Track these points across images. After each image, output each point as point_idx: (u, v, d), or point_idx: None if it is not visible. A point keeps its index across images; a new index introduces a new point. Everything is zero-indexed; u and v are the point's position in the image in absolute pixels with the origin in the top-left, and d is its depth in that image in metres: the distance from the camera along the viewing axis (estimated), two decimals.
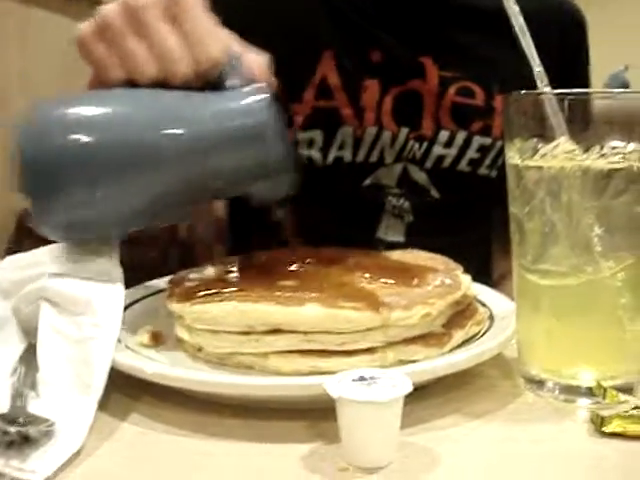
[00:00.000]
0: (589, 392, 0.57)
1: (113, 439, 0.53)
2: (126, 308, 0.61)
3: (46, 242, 0.64)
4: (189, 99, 0.61)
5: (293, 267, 0.65)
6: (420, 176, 0.95)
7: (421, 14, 0.94)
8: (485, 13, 0.95)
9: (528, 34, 0.61)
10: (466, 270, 0.68)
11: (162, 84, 0.61)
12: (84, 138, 0.59)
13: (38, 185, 0.60)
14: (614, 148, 0.54)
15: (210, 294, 0.60)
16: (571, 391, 0.57)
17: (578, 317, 0.57)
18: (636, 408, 0.54)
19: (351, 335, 0.57)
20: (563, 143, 0.55)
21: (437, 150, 0.94)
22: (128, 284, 0.66)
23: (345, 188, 0.94)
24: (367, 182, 0.94)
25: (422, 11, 0.94)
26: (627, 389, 0.57)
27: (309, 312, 0.56)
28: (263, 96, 0.60)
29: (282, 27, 0.91)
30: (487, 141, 0.94)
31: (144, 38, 0.60)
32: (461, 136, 0.94)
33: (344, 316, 0.56)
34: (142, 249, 0.97)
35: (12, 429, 0.48)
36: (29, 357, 0.59)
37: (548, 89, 0.59)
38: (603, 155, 0.54)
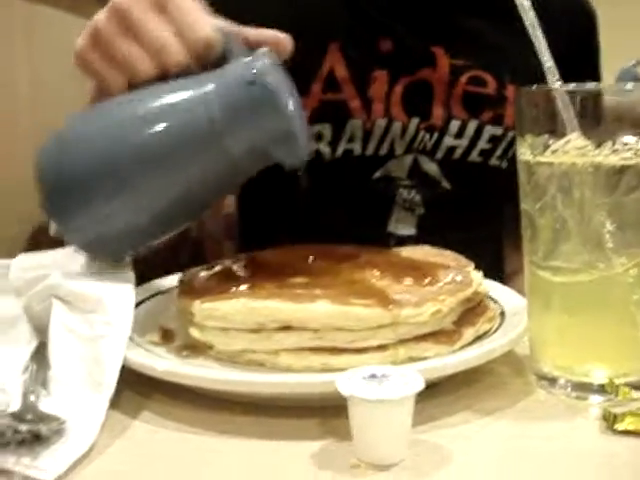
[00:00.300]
0: (601, 389, 0.56)
1: (124, 437, 0.53)
2: (137, 306, 0.61)
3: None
4: (193, 85, 0.61)
5: (303, 264, 0.65)
6: (431, 167, 0.94)
7: (432, 2, 0.94)
8: (496, 1, 0.95)
9: (539, 29, 0.61)
10: (477, 266, 0.67)
11: (164, 77, 0.61)
12: (99, 153, 0.60)
13: (58, 203, 0.61)
14: (626, 144, 0.54)
15: (220, 291, 0.60)
16: (583, 388, 0.57)
17: (590, 314, 0.57)
18: None
19: (362, 332, 0.56)
20: (575, 139, 0.55)
21: (448, 141, 0.93)
22: (139, 282, 0.66)
23: (355, 181, 0.94)
24: (377, 175, 0.94)
25: None
26: None
27: (319, 309, 0.56)
28: (265, 61, 0.60)
29: (287, 21, 0.91)
30: (498, 131, 0.94)
31: (135, 37, 0.61)
32: (472, 126, 0.93)
33: (354, 313, 0.56)
34: None
35: (23, 427, 0.48)
36: (40, 355, 0.59)
37: (559, 84, 0.59)
38: (615, 151, 0.54)
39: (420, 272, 0.64)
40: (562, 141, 0.55)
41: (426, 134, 0.93)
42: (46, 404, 0.53)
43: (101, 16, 0.62)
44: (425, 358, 0.57)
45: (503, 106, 0.94)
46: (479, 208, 0.98)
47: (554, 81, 0.59)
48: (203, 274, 0.66)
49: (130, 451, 0.51)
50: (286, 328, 0.57)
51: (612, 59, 1.26)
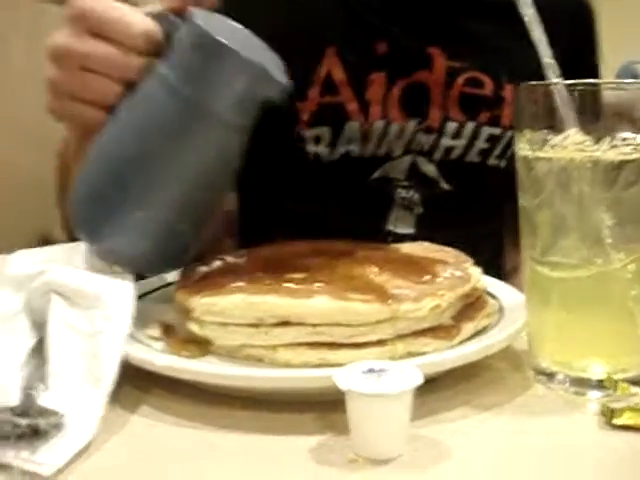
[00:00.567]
0: (600, 385, 0.56)
1: (123, 432, 0.53)
2: (136, 301, 0.61)
3: None
4: (151, 78, 0.61)
5: (302, 259, 0.65)
6: (429, 168, 0.94)
7: (428, 3, 0.94)
8: (493, 1, 0.95)
9: (539, 24, 0.60)
10: (477, 263, 0.67)
11: (133, 83, 0.62)
12: (109, 177, 0.63)
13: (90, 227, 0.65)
14: (624, 139, 0.54)
15: (219, 287, 0.60)
16: (582, 384, 0.57)
17: (589, 309, 0.57)
18: None
19: (360, 327, 0.56)
20: (573, 134, 0.55)
21: (445, 141, 0.93)
22: (138, 277, 0.66)
23: (353, 182, 0.94)
24: (375, 175, 0.94)
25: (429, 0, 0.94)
26: (638, 381, 0.56)
27: (318, 304, 0.56)
28: (199, 20, 0.60)
29: (284, 27, 0.91)
30: (496, 131, 0.94)
31: (88, 69, 0.62)
32: (470, 127, 0.93)
33: (353, 308, 0.56)
34: None
35: (22, 421, 0.49)
36: (40, 350, 0.59)
37: (558, 80, 0.59)
38: (614, 146, 0.54)
39: (419, 267, 0.64)
40: (561, 136, 0.55)
41: (424, 136, 0.93)
42: (45, 399, 0.53)
43: (50, 69, 0.64)
44: (424, 353, 0.57)
45: (500, 107, 0.94)
46: (478, 207, 0.98)
47: (553, 77, 0.59)
48: (202, 269, 0.66)
49: (129, 446, 0.52)
50: (285, 323, 0.57)
51: (612, 57, 1.26)
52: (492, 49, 0.95)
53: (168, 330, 0.63)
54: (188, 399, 0.57)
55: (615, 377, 0.56)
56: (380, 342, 0.57)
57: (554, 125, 0.55)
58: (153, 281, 0.72)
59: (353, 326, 0.56)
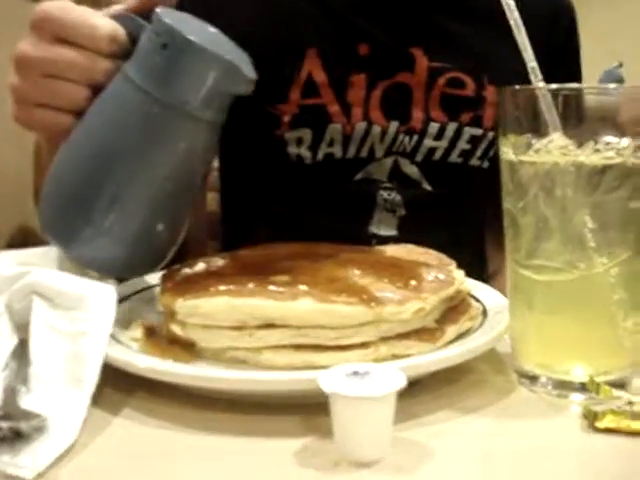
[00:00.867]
0: (582, 387, 0.57)
1: (106, 434, 0.53)
2: (119, 303, 0.61)
3: None
4: (118, 79, 0.62)
5: (286, 262, 0.65)
6: (411, 169, 0.94)
7: (410, 4, 0.94)
8: (475, 3, 0.95)
9: (523, 28, 0.61)
10: (460, 265, 0.68)
11: (101, 86, 0.63)
12: (82, 178, 0.63)
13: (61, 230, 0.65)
14: (608, 144, 0.54)
15: (203, 289, 0.60)
16: (564, 386, 0.58)
17: (571, 313, 0.57)
18: (629, 404, 0.54)
19: (344, 330, 0.56)
20: (557, 138, 0.55)
21: (428, 143, 0.93)
22: (121, 279, 0.66)
23: (336, 184, 0.94)
24: (358, 177, 0.94)
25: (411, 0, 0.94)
26: (620, 384, 0.57)
27: (302, 307, 0.56)
28: (164, 19, 0.60)
29: (264, 28, 0.91)
30: (478, 132, 0.94)
31: (50, 76, 0.63)
32: (451, 127, 0.93)
33: (337, 311, 0.56)
34: None
35: (4, 424, 0.48)
36: (21, 352, 0.59)
37: (542, 84, 0.59)
38: (597, 151, 0.54)
39: (402, 270, 0.64)
40: (545, 140, 0.55)
41: (405, 137, 0.93)
42: (27, 401, 0.52)
43: (14, 78, 0.64)
44: (407, 356, 0.58)
45: (482, 107, 0.94)
46: (460, 208, 0.99)
47: (537, 81, 0.59)
48: (186, 271, 0.66)
49: (111, 448, 0.51)
50: (268, 326, 0.57)
51: (595, 62, 1.27)
52: (473, 50, 0.95)
53: (151, 332, 0.63)
54: (171, 401, 0.57)
55: (597, 380, 0.56)
56: (364, 345, 0.57)
57: (538, 129, 0.56)
58: (136, 283, 0.72)
59: (337, 328, 0.56)
